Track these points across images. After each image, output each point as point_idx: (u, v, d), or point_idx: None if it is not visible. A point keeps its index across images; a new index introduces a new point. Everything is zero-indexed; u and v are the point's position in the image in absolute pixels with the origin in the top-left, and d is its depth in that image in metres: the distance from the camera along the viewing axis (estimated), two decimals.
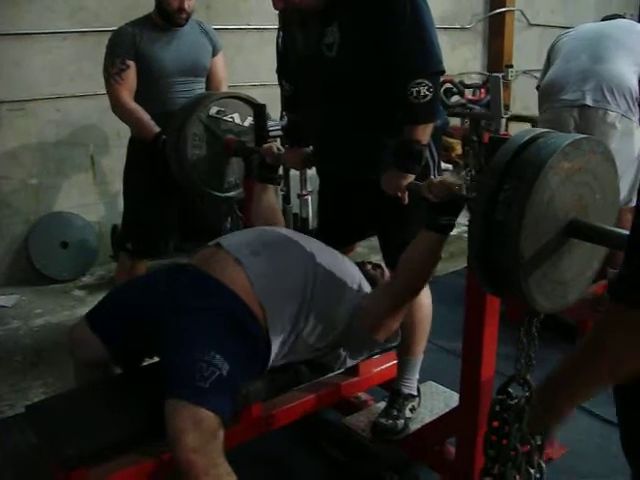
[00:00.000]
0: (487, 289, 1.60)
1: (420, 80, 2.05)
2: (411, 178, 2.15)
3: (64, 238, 4.52)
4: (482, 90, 5.43)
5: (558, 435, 2.47)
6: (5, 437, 2.64)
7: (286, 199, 4.31)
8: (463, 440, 2.06)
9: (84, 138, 4.48)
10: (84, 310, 3.27)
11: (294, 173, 4.22)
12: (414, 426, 2.39)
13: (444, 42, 5.78)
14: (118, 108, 3.08)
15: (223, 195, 2.99)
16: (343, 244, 2.55)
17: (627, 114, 3.22)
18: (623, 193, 3.29)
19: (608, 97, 3.21)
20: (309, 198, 4.29)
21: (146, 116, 3.03)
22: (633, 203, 3.35)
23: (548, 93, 3.48)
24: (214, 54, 3.27)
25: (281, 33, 2.42)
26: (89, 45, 4.34)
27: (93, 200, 4.67)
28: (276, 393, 2.24)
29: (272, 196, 2.65)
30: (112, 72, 3.02)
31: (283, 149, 2.58)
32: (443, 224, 1.92)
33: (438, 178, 1.94)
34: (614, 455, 2.46)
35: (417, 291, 2.07)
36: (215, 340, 1.92)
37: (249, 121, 2.95)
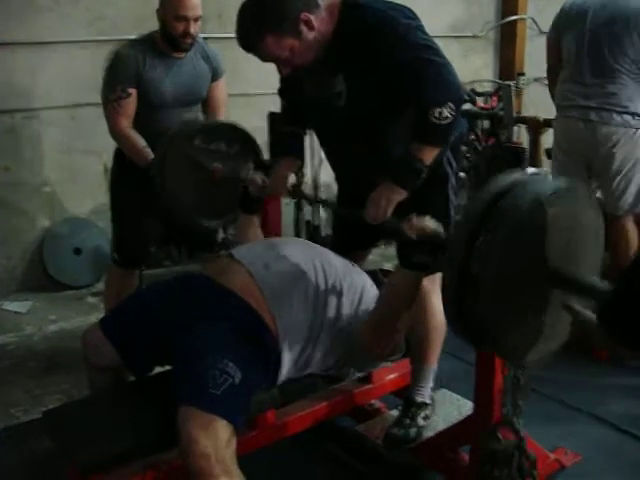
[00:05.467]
0: (465, 341, 1.55)
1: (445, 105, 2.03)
2: (404, 195, 2.13)
3: (78, 245, 4.54)
4: (494, 98, 5.43)
5: (571, 442, 2.47)
6: (21, 442, 2.65)
7: (298, 206, 4.32)
8: (477, 448, 2.06)
9: (98, 146, 4.49)
10: (98, 316, 3.29)
11: (306, 181, 4.22)
12: (427, 434, 2.39)
13: (456, 50, 5.77)
14: (115, 134, 3.05)
15: (211, 224, 2.89)
16: (357, 250, 2.56)
17: (633, 124, 3.24)
18: (630, 198, 3.32)
19: (614, 116, 3.23)
20: (321, 205, 4.29)
21: (141, 143, 2.97)
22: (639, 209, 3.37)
23: (557, 104, 3.53)
24: (215, 79, 3.19)
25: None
26: (106, 54, 4.37)
27: (106, 207, 4.68)
28: (290, 401, 2.25)
29: (257, 227, 2.63)
30: (111, 98, 2.96)
31: (267, 180, 2.52)
32: (417, 262, 1.91)
33: (420, 219, 1.91)
34: (627, 463, 2.47)
35: (401, 318, 2.07)
36: (228, 348, 1.93)
37: (236, 148, 2.81)
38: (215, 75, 3.18)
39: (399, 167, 2.14)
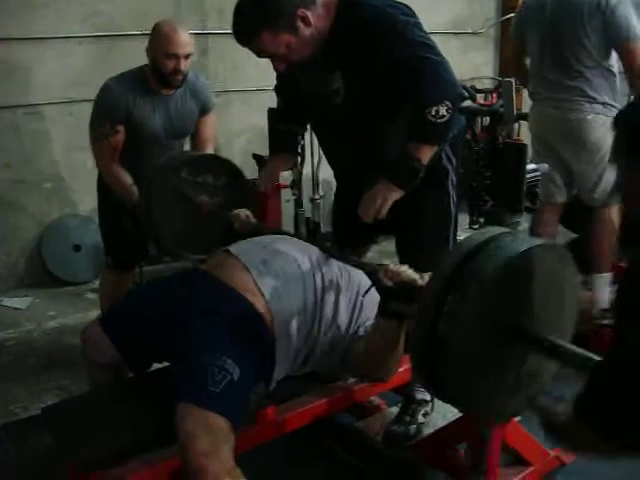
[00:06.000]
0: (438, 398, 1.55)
1: (442, 103, 2.03)
2: (400, 194, 2.13)
3: (77, 241, 4.55)
4: (494, 95, 5.42)
5: None
6: (20, 439, 2.65)
7: (298, 203, 4.32)
8: (475, 445, 2.07)
9: None
10: (97, 313, 3.30)
11: (306, 177, 4.23)
12: (427, 431, 2.39)
13: (456, 47, 5.78)
14: (102, 170, 3.08)
15: (197, 257, 2.79)
16: (356, 247, 2.56)
17: (596, 110, 3.22)
18: (604, 188, 3.26)
19: (584, 103, 3.22)
20: (321, 202, 4.29)
21: (128, 182, 2.97)
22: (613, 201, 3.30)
23: (530, 97, 3.57)
24: (204, 113, 3.17)
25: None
26: (103, 50, 4.37)
27: None
28: (289, 396, 2.25)
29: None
30: (100, 133, 2.97)
31: (251, 216, 2.53)
32: (394, 310, 1.89)
33: (397, 267, 1.88)
34: (625, 460, 2.47)
35: (391, 357, 2.07)
36: (226, 345, 1.93)
37: (222, 181, 2.76)
38: (204, 110, 3.17)
39: (396, 166, 2.14)
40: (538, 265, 1.44)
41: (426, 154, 2.11)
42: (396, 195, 2.13)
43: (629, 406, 1.12)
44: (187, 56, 2.90)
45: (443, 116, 2.02)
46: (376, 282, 1.92)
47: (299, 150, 2.63)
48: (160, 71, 2.91)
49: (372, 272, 1.96)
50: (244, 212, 2.53)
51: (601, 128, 3.20)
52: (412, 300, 1.81)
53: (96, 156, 3.06)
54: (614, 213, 3.33)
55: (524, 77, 3.60)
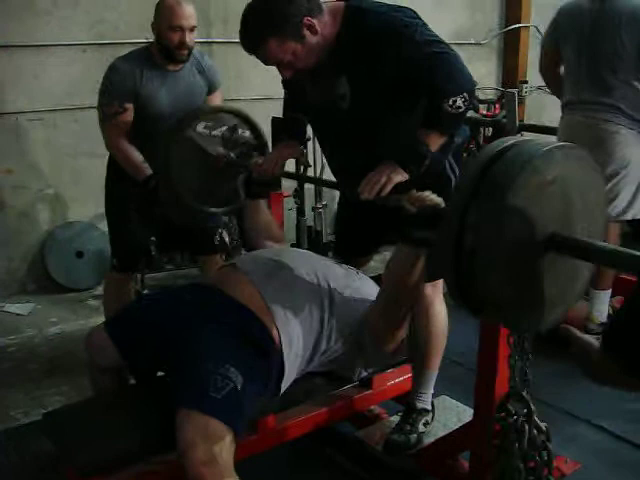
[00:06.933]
0: (470, 315, 1.49)
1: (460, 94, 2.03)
2: (404, 177, 2.09)
3: (80, 248, 4.56)
4: (497, 105, 5.44)
5: (571, 451, 2.47)
6: (20, 444, 2.65)
7: (300, 212, 4.33)
8: (476, 454, 2.06)
9: (101, 149, 4.50)
10: (99, 319, 3.30)
11: (309, 186, 4.24)
12: (428, 440, 2.39)
13: None
14: (111, 149, 3.07)
15: (218, 210, 2.87)
16: (359, 256, 2.57)
17: (630, 125, 3.18)
18: (621, 204, 3.23)
19: (619, 116, 3.16)
20: (323, 211, 4.30)
21: (138, 158, 2.98)
22: (629, 216, 3.28)
23: (562, 105, 3.47)
24: (211, 92, 3.18)
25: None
26: (108, 57, 4.35)
27: None
28: (290, 405, 2.25)
29: (265, 211, 2.62)
30: (108, 113, 2.97)
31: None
32: (418, 238, 1.88)
33: (420, 193, 1.88)
34: (626, 471, 2.47)
35: (406, 303, 2.07)
36: (230, 353, 1.93)
37: (238, 134, 2.80)
38: (211, 88, 3.18)
39: (404, 148, 2.13)
40: (561, 167, 1.40)
41: (435, 142, 2.10)
42: (400, 177, 2.09)
43: None
44: (192, 29, 2.91)
45: (459, 107, 2.02)
46: (400, 209, 1.89)
47: (305, 139, 2.62)
48: (166, 45, 2.92)
49: (395, 201, 1.94)
50: (262, 159, 2.51)
51: (632, 141, 3.17)
52: (435, 226, 1.79)
53: (105, 136, 3.05)
54: (616, 230, 3.32)
55: (559, 87, 3.51)
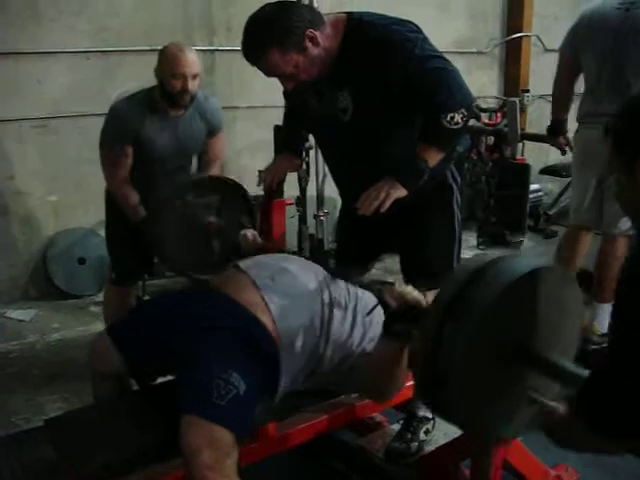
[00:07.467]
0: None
1: (458, 110, 2.05)
2: (402, 193, 2.11)
3: (82, 254, 4.57)
4: (498, 114, 5.45)
5: (570, 460, 2.47)
6: (21, 451, 2.64)
7: (302, 220, 4.33)
8: (477, 463, 2.06)
9: None
10: (100, 326, 3.31)
11: (310, 194, 4.24)
12: (428, 448, 2.39)
13: (460, 66, 5.75)
14: (109, 186, 3.12)
15: (204, 277, 2.76)
16: (361, 263, 2.57)
17: None
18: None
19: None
20: (325, 219, 4.30)
21: (134, 199, 3.01)
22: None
23: (579, 118, 3.45)
24: (212, 135, 3.21)
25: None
26: (112, 64, 4.41)
27: None
28: (291, 412, 2.25)
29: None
30: (109, 155, 3.02)
31: (257, 236, 2.57)
32: (398, 331, 1.86)
33: (402, 288, 1.85)
34: None
35: (395, 377, 2.05)
36: (233, 359, 1.93)
37: (228, 201, 2.78)
38: (212, 131, 3.20)
39: (403, 165, 2.14)
40: (538, 287, 1.44)
41: (433, 157, 2.12)
42: (399, 193, 2.11)
43: (625, 403, 1.14)
44: (194, 76, 2.92)
45: (457, 123, 2.04)
46: (380, 303, 1.90)
47: (304, 152, 2.65)
48: (168, 92, 2.93)
49: (377, 293, 1.94)
50: (251, 232, 2.57)
51: None
52: (416, 322, 1.79)
53: (105, 174, 3.10)
54: (623, 245, 3.31)
55: (569, 98, 3.49)
